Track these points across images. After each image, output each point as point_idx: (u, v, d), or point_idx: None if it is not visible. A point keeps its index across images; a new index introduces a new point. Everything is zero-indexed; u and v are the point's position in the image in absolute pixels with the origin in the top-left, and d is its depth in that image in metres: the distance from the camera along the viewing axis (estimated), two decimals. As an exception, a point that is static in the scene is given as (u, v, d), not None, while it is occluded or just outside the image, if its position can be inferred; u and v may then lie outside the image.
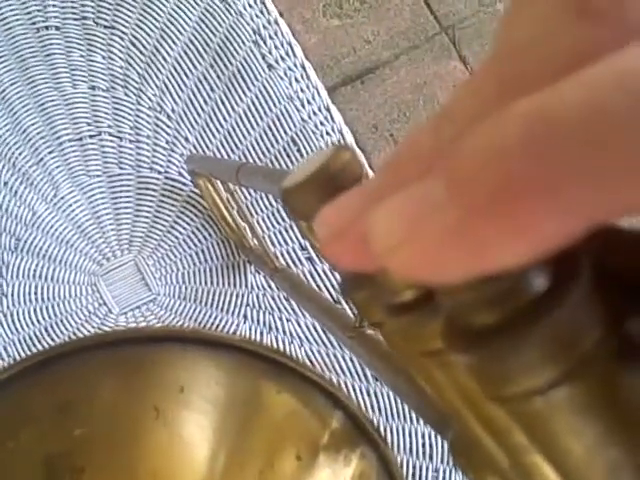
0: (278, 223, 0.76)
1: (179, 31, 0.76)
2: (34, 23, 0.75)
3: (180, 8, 0.76)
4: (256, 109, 0.76)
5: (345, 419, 0.52)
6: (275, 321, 0.75)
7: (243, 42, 0.76)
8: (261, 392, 0.51)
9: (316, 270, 0.75)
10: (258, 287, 0.75)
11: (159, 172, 0.75)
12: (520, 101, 0.11)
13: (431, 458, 0.74)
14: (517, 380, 0.15)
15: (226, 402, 0.49)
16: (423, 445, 0.74)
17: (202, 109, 0.76)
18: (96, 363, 0.49)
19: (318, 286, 0.75)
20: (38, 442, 0.46)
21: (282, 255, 0.75)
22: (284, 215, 0.75)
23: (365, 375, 0.74)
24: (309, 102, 0.76)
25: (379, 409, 0.75)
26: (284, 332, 0.75)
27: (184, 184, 0.75)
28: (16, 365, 0.48)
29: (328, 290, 0.75)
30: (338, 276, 0.70)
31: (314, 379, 0.51)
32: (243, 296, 0.75)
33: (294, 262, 0.75)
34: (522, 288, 0.15)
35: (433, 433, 0.74)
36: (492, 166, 0.11)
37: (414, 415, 0.74)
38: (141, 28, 0.76)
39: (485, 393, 0.16)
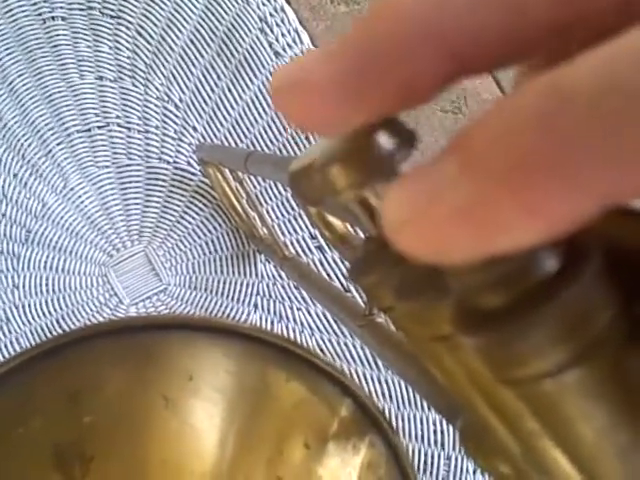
0: (287, 212, 0.75)
1: (185, 20, 0.76)
2: (40, 14, 0.75)
3: (186, -4, 0.76)
4: (263, 97, 0.76)
5: (354, 407, 0.52)
6: (286, 310, 0.75)
7: (249, 30, 0.76)
8: (270, 380, 0.51)
9: (326, 258, 0.75)
10: (268, 276, 0.75)
11: (168, 162, 0.75)
12: (535, 77, 0.11)
13: (443, 446, 0.74)
14: (527, 362, 0.15)
15: (235, 390, 0.49)
16: (435, 433, 0.74)
17: (209, 97, 0.76)
18: (104, 351, 0.49)
19: (328, 274, 0.75)
20: (47, 430, 0.46)
21: (292, 244, 0.75)
22: (293, 204, 0.75)
23: (376, 363, 0.74)
24: (317, 89, 0.75)
25: (390, 397, 0.75)
26: (295, 321, 0.75)
27: (193, 174, 0.75)
28: (24, 353, 0.48)
29: (338, 278, 0.75)
30: (347, 263, 0.70)
31: (323, 367, 0.51)
32: (253, 285, 0.75)
33: (304, 251, 0.75)
34: (532, 269, 0.14)
35: (445, 421, 0.74)
36: (505, 141, 0.11)
37: (425, 403, 0.74)
38: (147, 17, 0.75)
39: (495, 376, 0.16)
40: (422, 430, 0.75)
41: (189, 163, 0.75)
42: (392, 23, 0.13)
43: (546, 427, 0.16)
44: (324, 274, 0.75)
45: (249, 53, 0.76)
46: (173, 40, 0.76)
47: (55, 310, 0.74)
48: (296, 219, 0.75)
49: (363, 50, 0.14)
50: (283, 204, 0.75)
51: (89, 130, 0.75)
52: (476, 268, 0.15)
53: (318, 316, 0.75)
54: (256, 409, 0.49)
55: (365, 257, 0.23)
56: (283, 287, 0.75)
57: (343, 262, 0.74)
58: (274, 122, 0.76)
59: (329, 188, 0.22)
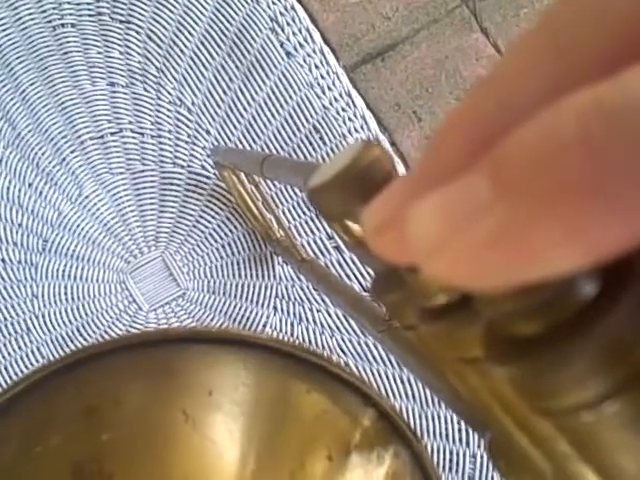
0: (304, 213, 0.75)
1: (195, 22, 0.75)
2: (50, 21, 0.75)
3: (195, -1, 0.75)
4: (276, 98, 0.75)
5: (377, 417, 0.51)
6: (305, 312, 0.75)
7: (260, 30, 0.75)
8: (290, 392, 0.50)
9: (344, 259, 0.75)
10: (287, 278, 0.75)
11: (182, 166, 0.75)
12: (576, 93, 0.10)
13: (468, 444, 0.73)
14: (564, 394, 0.14)
15: (255, 403, 0.48)
16: (459, 431, 0.74)
17: (222, 100, 0.76)
18: (122, 366, 0.49)
19: (347, 275, 0.75)
20: (66, 447, 0.46)
21: (309, 245, 0.75)
22: (310, 205, 0.74)
23: (398, 362, 0.74)
24: (330, 88, 0.75)
25: (413, 396, 0.74)
26: (315, 322, 0.75)
27: (208, 177, 0.75)
28: (42, 369, 0.47)
29: (357, 279, 0.74)
30: (372, 274, 0.69)
31: (344, 377, 0.51)
32: (272, 288, 0.75)
33: (322, 252, 0.75)
34: (569, 296, 0.14)
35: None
36: (545, 164, 0.10)
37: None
38: (157, 21, 0.75)
39: (528, 405, 0.15)
40: (446, 429, 0.74)
41: (203, 167, 0.75)
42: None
43: (583, 455, 0.15)
44: (342, 274, 0.74)
45: (260, 54, 0.75)
46: (184, 43, 0.75)
47: (75, 319, 0.74)
48: (313, 220, 0.75)
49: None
50: (299, 205, 0.75)
51: (102, 137, 0.75)
52: (509, 296, 0.14)
53: (338, 317, 0.74)
54: (277, 422, 0.49)
55: (388, 273, 0.22)
56: (302, 289, 0.75)
57: (362, 263, 0.74)
58: (288, 123, 0.75)
59: (349, 202, 0.21)
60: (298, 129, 0.75)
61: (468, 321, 0.17)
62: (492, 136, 0.12)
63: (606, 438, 0.14)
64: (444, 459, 0.73)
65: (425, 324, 0.19)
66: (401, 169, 0.74)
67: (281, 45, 0.75)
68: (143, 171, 0.75)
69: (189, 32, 0.75)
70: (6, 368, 0.73)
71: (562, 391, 0.14)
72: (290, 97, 0.75)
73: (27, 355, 0.73)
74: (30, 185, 0.74)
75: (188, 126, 0.75)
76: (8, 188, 0.73)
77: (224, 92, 0.76)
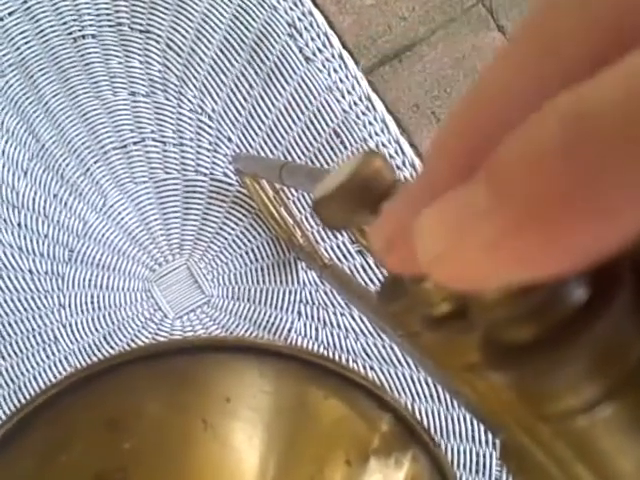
0: (326, 217, 0.75)
1: (214, 30, 0.76)
2: (70, 33, 0.75)
3: (213, 7, 0.75)
4: (296, 103, 0.75)
5: (394, 422, 0.51)
6: (329, 316, 0.75)
7: (279, 36, 0.75)
8: (308, 398, 0.51)
9: (368, 263, 0.75)
10: (310, 283, 0.75)
11: (204, 174, 0.75)
12: (558, 98, 0.10)
13: (495, 446, 0.73)
14: (557, 399, 0.14)
15: (273, 410, 0.49)
16: (486, 432, 0.73)
17: (242, 107, 0.76)
18: (141, 376, 0.49)
19: (370, 279, 0.74)
20: (89, 457, 0.46)
21: (332, 249, 0.75)
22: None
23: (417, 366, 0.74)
24: (349, 92, 0.75)
25: (439, 399, 0.74)
26: (339, 326, 0.75)
27: (230, 184, 0.75)
28: (63, 380, 0.48)
29: (381, 283, 0.74)
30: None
31: (361, 382, 0.51)
32: (296, 293, 0.75)
33: (345, 256, 0.75)
34: (560, 301, 0.14)
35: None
36: (531, 173, 0.10)
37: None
38: (176, 30, 0.75)
39: (526, 410, 0.15)
40: (473, 430, 0.74)
41: (225, 174, 0.75)
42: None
43: (582, 459, 0.15)
44: (366, 278, 0.74)
45: (279, 60, 0.75)
46: (203, 51, 0.76)
47: (102, 327, 0.74)
48: (335, 224, 0.75)
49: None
50: (321, 210, 0.75)
51: (125, 146, 0.76)
52: (503, 302, 0.14)
53: (362, 321, 0.74)
54: (295, 428, 0.49)
55: (391, 283, 0.22)
56: (326, 293, 0.75)
57: (381, 266, 0.73)
58: (308, 128, 0.75)
59: (352, 213, 0.21)
60: (319, 134, 0.75)
61: (465, 328, 0.17)
62: (486, 150, 0.12)
63: (602, 441, 0.14)
64: (471, 461, 0.73)
65: (426, 331, 0.19)
66: (420, 170, 0.74)
67: (300, 51, 0.75)
68: (166, 179, 0.75)
69: (208, 40, 0.76)
70: (35, 377, 0.73)
71: (556, 396, 0.14)
72: (310, 102, 0.75)
73: (55, 364, 0.74)
74: (55, 196, 0.75)
75: (209, 133, 0.76)
76: (34, 199, 0.74)
77: (244, 99, 0.76)
